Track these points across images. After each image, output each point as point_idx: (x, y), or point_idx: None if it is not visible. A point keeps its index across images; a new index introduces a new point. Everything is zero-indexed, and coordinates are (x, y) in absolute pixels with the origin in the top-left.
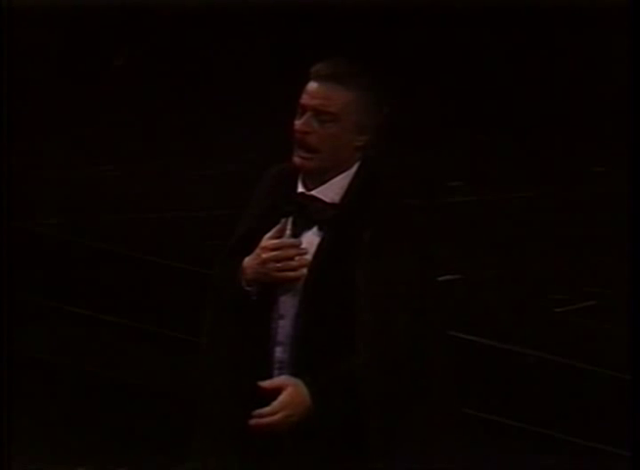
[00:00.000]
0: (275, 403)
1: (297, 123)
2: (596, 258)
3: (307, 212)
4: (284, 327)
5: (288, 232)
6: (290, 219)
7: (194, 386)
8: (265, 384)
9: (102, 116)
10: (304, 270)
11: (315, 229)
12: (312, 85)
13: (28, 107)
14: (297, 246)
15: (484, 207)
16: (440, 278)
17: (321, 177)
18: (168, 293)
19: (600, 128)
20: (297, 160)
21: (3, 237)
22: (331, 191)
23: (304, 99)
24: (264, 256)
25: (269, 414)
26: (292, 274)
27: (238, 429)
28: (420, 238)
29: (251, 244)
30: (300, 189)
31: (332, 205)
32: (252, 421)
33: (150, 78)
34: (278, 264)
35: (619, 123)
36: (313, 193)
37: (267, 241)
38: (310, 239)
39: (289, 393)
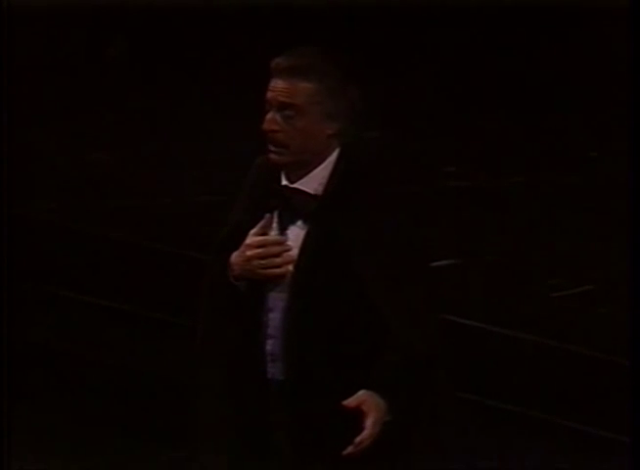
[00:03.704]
0: (369, 426)
1: (264, 121)
2: (593, 243)
3: (291, 206)
4: (274, 320)
5: (274, 227)
6: (275, 214)
7: (192, 378)
8: (349, 403)
9: (100, 103)
10: (290, 267)
11: (300, 223)
12: (274, 81)
13: (27, 95)
14: (282, 243)
15: (480, 192)
16: (436, 263)
17: (301, 170)
18: (169, 279)
19: (595, 113)
20: (271, 156)
21: (3, 224)
22: (314, 182)
23: (268, 95)
24: (248, 253)
25: (368, 438)
26: (277, 271)
27: (232, 424)
28: (405, 226)
29: (239, 237)
30: (284, 182)
31: (315, 196)
32: (351, 449)
33: (144, 66)
34: (262, 262)
35: (615, 109)
36: (296, 185)
37: (251, 238)
38: (296, 233)
39: (374, 410)
